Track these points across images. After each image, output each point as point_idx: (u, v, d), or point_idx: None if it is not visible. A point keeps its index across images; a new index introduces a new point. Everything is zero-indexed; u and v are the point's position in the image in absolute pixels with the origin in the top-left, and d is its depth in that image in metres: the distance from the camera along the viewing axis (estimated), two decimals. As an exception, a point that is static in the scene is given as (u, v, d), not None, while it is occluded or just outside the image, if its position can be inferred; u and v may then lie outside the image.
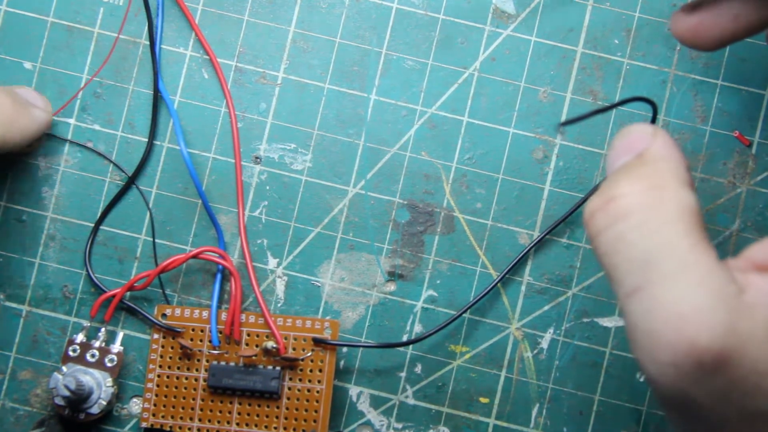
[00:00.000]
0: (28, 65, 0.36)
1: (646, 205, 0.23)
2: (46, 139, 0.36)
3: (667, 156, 0.25)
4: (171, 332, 0.34)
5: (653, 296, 0.23)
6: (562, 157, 0.35)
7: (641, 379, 0.35)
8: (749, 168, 0.35)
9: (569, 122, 0.26)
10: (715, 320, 0.22)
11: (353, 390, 0.35)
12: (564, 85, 0.36)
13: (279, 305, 0.36)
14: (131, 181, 0.36)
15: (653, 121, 0.30)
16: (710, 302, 0.22)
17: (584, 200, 0.34)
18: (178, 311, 0.35)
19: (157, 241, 0.36)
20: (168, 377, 0.34)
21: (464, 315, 0.35)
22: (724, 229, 0.35)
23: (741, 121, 0.35)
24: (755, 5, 0.29)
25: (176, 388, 0.34)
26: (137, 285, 0.34)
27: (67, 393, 0.33)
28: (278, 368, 0.34)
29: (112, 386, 0.34)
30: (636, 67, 0.36)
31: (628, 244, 0.23)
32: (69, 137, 0.36)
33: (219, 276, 0.35)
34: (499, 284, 0.35)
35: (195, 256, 0.34)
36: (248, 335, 0.34)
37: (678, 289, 0.22)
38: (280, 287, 0.36)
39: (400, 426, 0.35)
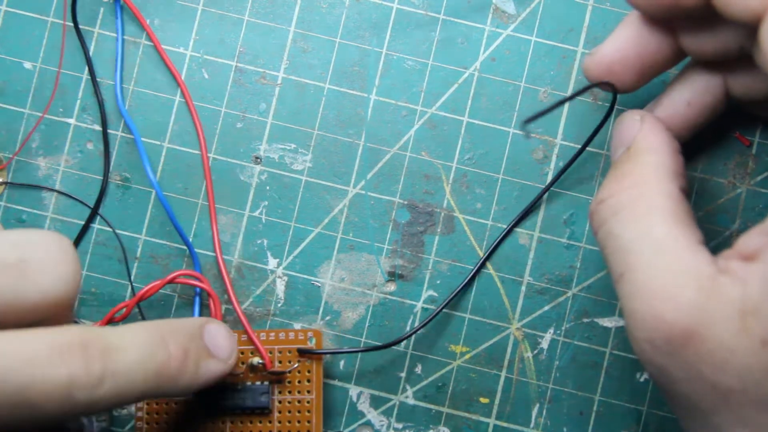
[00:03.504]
0: (28, 65, 0.36)
1: (627, 202, 0.26)
2: (46, 139, 0.36)
3: (651, 147, 0.28)
4: None
5: (631, 280, 0.25)
6: (562, 157, 0.35)
7: (641, 379, 0.35)
8: (749, 168, 0.35)
9: (533, 118, 0.27)
10: (683, 297, 0.24)
11: (353, 390, 0.35)
12: (564, 85, 0.36)
13: (279, 305, 0.36)
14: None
15: (612, 104, 0.31)
16: (679, 282, 0.24)
17: (538, 198, 0.34)
18: None
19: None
20: (157, 403, 0.34)
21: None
22: (724, 229, 0.35)
23: (741, 121, 0.35)
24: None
25: (167, 414, 0.34)
26: (117, 316, 0.33)
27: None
28: (266, 383, 0.34)
29: (104, 419, 0.34)
30: (636, 67, 0.36)
31: (614, 237, 0.26)
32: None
33: (197, 299, 0.35)
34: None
35: (171, 281, 0.33)
36: None
37: (651, 271, 0.25)
38: (280, 287, 0.36)
39: (400, 426, 0.35)
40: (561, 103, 0.27)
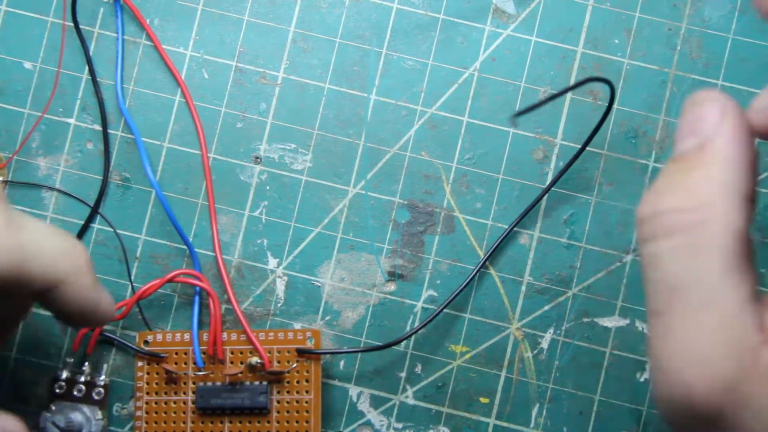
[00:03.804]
0: (28, 65, 0.36)
1: (688, 227, 0.23)
2: (46, 139, 0.36)
3: (729, 160, 0.24)
4: (155, 358, 0.34)
5: (670, 326, 0.22)
6: (562, 157, 0.35)
7: (641, 379, 0.35)
8: (749, 168, 0.35)
9: (522, 112, 0.26)
10: (719, 373, 0.21)
11: (353, 390, 0.35)
12: (564, 85, 0.36)
13: (279, 305, 0.36)
14: None
15: (610, 103, 0.30)
16: (720, 352, 0.21)
17: (539, 198, 0.34)
18: (159, 336, 0.34)
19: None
20: (156, 403, 0.34)
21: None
22: (724, 229, 0.35)
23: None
24: None
25: (165, 413, 0.34)
26: (116, 315, 0.33)
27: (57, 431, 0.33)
28: (264, 383, 0.34)
29: (102, 419, 0.34)
30: (636, 67, 0.36)
31: (662, 262, 0.23)
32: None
33: (197, 298, 0.35)
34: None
35: (171, 280, 0.33)
36: (232, 353, 0.34)
37: (694, 327, 0.22)
38: (280, 287, 0.36)
39: (400, 426, 0.35)
40: (553, 97, 0.26)
